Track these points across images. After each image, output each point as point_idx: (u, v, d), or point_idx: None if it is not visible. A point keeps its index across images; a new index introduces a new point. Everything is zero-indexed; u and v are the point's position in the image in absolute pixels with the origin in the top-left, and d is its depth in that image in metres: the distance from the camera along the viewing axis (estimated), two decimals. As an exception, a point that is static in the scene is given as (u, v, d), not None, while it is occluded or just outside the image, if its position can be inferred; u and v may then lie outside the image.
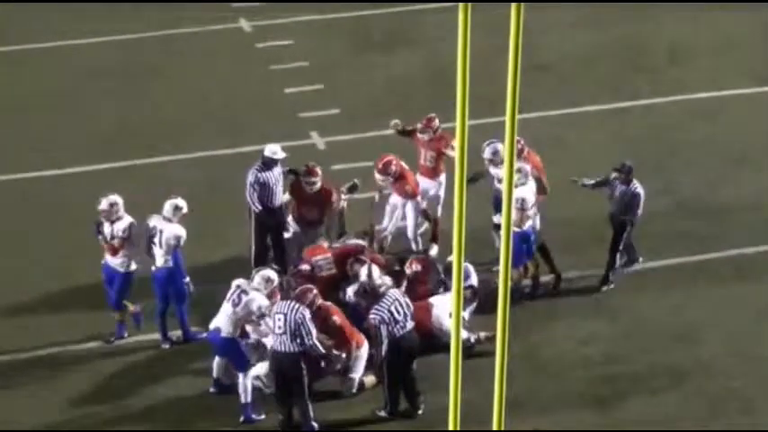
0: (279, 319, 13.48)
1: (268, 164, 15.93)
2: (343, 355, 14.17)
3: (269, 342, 13.92)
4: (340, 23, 24.00)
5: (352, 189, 16.36)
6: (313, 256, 15.37)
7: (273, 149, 16.01)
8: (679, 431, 13.78)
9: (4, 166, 19.27)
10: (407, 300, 14.04)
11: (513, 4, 5.45)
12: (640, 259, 16.41)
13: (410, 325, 13.84)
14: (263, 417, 14.03)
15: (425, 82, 21.08)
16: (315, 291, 14.06)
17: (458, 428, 6.42)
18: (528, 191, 15.36)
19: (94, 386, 14.62)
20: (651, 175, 18.27)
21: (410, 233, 16.55)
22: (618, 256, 16.01)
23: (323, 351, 13.70)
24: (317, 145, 19.66)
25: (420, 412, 14.00)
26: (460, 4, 5.51)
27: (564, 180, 16.45)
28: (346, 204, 16.33)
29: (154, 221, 14.89)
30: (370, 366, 14.37)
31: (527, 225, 15.43)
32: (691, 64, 22.23)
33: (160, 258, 14.87)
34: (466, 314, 14.92)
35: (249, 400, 13.90)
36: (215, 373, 14.32)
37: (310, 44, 23.01)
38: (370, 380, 14.42)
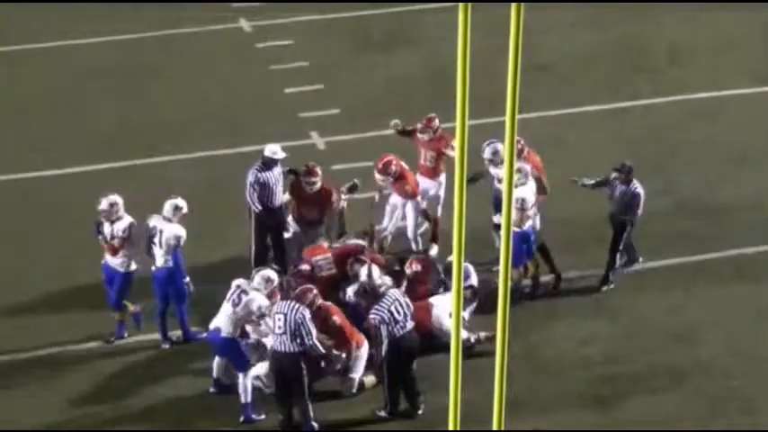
0: (279, 319, 13.48)
1: (268, 164, 15.93)
2: (344, 355, 14.17)
3: (269, 342, 13.92)
4: (340, 23, 24.00)
5: (353, 189, 16.36)
6: (313, 256, 15.37)
7: (273, 149, 16.01)
8: (679, 431, 13.77)
9: (4, 166, 19.27)
10: (407, 300, 14.04)
11: (513, 4, 5.45)
12: (640, 259, 16.41)
13: (410, 325, 13.85)
14: (263, 417, 14.03)
15: (425, 82, 21.08)
16: (315, 291, 14.06)
17: (458, 428, 6.42)
18: (528, 191, 15.36)
19: (94, 386, 14.62)
20: (651, 175, 18.27)
21: (410, 233, 16.55)
22: (618, 256, 16.02)
23: (323, 351, 13.70)
24: (316, 145, 19.66)
25: (420, 412, 14.00)
26: (460, 4, 5.51)
27: (564, 180, 16.45)
28: (346, 204, 16.33)
29: (154, 221, 14.89)
30: (370, 366, 14.37)
31: (527, 225, 15.43)
32: (691, 64, 22.23)
33: (160, 258, 14.87)
34: (466, 314, 14.92)
35: (249, 400, 13.90)
36: (215, 373, 14.32)
37: (310, 44, 23.01)
38: (370, 380, 14.42)
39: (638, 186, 15.74)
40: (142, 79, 21.84)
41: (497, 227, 15.51)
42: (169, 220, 14.85)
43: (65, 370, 14.88)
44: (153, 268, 14.99)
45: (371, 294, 14.12)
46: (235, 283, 14.04)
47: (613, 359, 14.92)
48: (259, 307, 13.80)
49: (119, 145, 19.66)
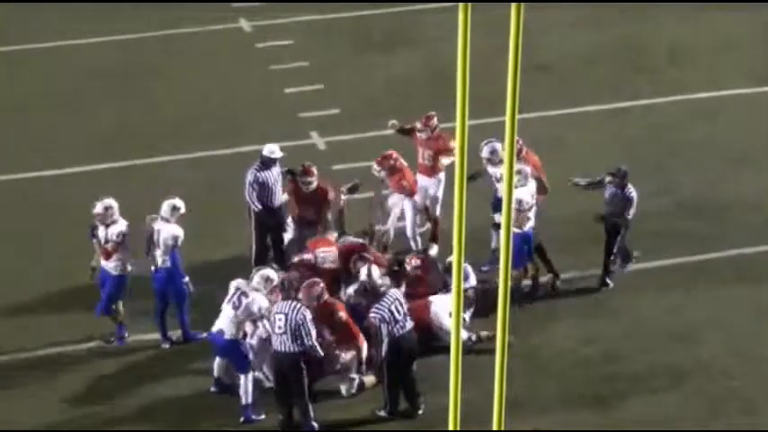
0: (280, 319, 13.48)
1: (267, 163, 15.95)
2: (344, 355, 14.17)
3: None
4: (340, 23, 24.01)
5: (353, 189, 16.35)
6: (317, 248, 15.35)
7: (272, 149, 16.04)
8: (679, 431, 13.77)
9: (4, 166, 19.27)
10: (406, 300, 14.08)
11: (513, 4, 5.45)
12: (635, 253, 16.32)
13: (409, 325, 13.85)
14: (263, 417, 14.03)
15: (425, 82, 21.08)
16: (322, 284, 14.05)
17: (458, 428, 6.42)
18: (526, 192, 15.33)
19: (95, 386, 14.61)
20: (651, 175, 18.29)
21: (409, 232, 16.55)
22: (613, 258, 15.99)
23: (322, 353, 13.67)
24: (317, 145, 19.66)
25: (420, 412, 14.00)
26: (460, 4, 5.51)
27: (564, 180, 16.45)
28: (345, 204, 16.31)
29: (152, 222, 14.87)
30: (370, 366, 14.37)
31: (528, 226, 15.43)
32: (691, 64, 22.24)
33: (159, 258, 14.86)
34: (466, 315, 14.94)
35: (250, 401, 13.89)
36: (216, 373, 14.32)
37: (310, 44, 23.01)
38: (370, 380, 14.42)
39: (632, 191, 15.69)
40: (142, 79, 21.84)
41: (498, 226, 15.52)
42: (167, 221, 14.84)
43: (65, 370, 14.87)
44: (152, 269, 14.99)
45: (372, 294, 14.12)
46: (234, 284, 14.01)
47: (613, 359, 14.92)
48: (259, 308, 13.79)
49: (119, 145, 19.66)
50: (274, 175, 15.98)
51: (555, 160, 17.64)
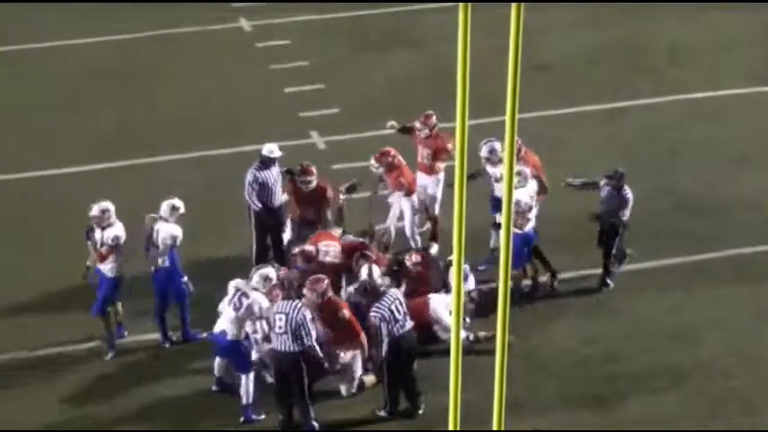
0: (280, 319, 13.48)
1: (266, 163, 15.97)
2: (344, 355, 14.17)
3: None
4: (340, 23, 24.01)
5: (351, 189, 16.34)
6: (319, 241, 15.35)
7: (271, 148, 16.06)
8: (679, 431, 13.77)
9: (4, 166, 19.28)
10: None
11: (513, 4, 5.45)
12: (629, 251, 16.29)
13: (409, 324, 13.85)
14: (263, 417, 14.03)
15: (425, 82, 21.08)
16: (327, 281, 14.05)
17: (458, 428, 6.42)
18: (524, 193, 15.31)
19: (95, 386, 14.61)
20: (651, 174, 18.30)
21: (407, 230, 16.56)
22: (612, 259, 15.98)
23: (320, 355, 13.65)
24: (316, 144, 19.66)
25: (420, 412, 14.00)
26: (460, 4, 5.50)
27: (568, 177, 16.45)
28: (345, 204, 16.31)
29: (151, 221, 14.85)
30: (370, 366, 14.37)
31: (528, 227, 15.44)
32: (691, 64, 22.24)
33: (157, 259, 14.85)
34: (466, 316, 14.95)
35: (251, 401, 13.90)
36: (217, 372, 14.31)
37: (310, 44, 23.02)
38: (370, 379, 14.42)
39: (628, 192, 15.68)
40: (142, 79, 21.84)
41: (497, 226, 15.52)
42: (166, 221, 14.84)
43: (65, 370, 14.87)
44: (152, 269, 14.98)
45: (372, 293, 14.12)
46: (233, 285, 13.98)
47: (613, 359, 14.92)
48: (260, 309, 13.80)
49: (119, 145, 19.66)
50: (274, 174, 16.00)
51: (555, 160, 17.64)
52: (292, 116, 20.39)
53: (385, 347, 13.72)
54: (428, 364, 14.12)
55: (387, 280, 14.50)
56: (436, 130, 16.62)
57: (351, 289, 14.83)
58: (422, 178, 16.75)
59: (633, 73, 21.91)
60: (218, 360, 14.27)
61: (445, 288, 15.04)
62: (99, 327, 15.19)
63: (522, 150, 15.99)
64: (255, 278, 13.98)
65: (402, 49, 22.86)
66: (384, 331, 13.69)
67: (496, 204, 16.04)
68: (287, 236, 16.32)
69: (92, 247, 14.85)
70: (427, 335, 14.60)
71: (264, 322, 13.90)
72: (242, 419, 13.95)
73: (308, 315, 13.53)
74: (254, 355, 14.08)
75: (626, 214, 15.67)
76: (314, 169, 16.14)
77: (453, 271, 6.04)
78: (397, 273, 15.14)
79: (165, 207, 14.90)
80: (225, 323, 13.86)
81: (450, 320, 14.50)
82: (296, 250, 15.33)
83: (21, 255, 17.02)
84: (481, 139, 16.06)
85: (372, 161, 16.32)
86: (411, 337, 13.90)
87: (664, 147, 19.44)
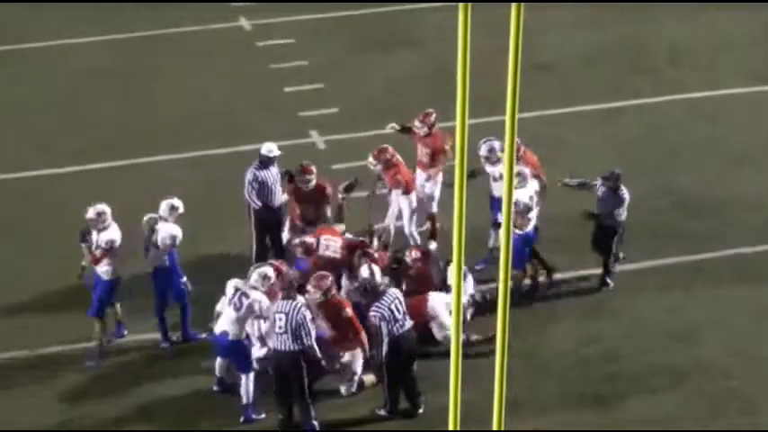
0: (280, 319, 13.47)
1: (265, 162, 16.00)
2: (345, 356, 14.17)
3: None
4: (340, 23, 24.02)
5: (350, 188, 16.32)
6: (321, 234, 15.36)
7: (270, 147, 16.10)
8: (679, 431, 13.77)
9: (4, 165, 19.28)
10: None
11: (513, 4, 5.45)
12: (621, 255, 16.30)
13: (409, 324, 13.85)
14: (263, 416, 14.03)
15: (425, 82, 21.08)
16: (331, 278, 14.04)
17: (458, 428, 6.41)
18: (524, 194, 15.31)
19: (94, 386, 14.61)
20: (651, 174, 18.30)
21: (406, 229, 16.55)
22: (611, 259, 15.98)
23: (319, 355, 13.63)
24: (316, 144, 19.67)
25: (420, 412, 13.99)
26: (460, 4, 5.50)
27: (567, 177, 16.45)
28: (345, 203, 16.30)
29: (149, 221, 14.84)
30: (370, 365, 14.36)
31: (529, 227, 15.43)
32: (691, 64, 22.24)
33: (157, 258, 14.85)
34: (467, 314, 14.95)
35: (251, 401, 13.90)
36: (218, 372, 14.31)
37: (310, 43, 23.02)
38: (370, 379, 14.42)
39: (624, 192, 15.66)
40: (142, 79, 21.85)
41: (498, 225, 15.52)
42: (165, 220, 14.83)
43: (65, 370, 14.86)
44: (151, 269, 14.97)
45: (371, 292, 14.11)
46: (232, 285, 13.96)
47: (613, 359, 14.91)
48: (260, 308, 13.80)
49: (118, 145, 19.67)
50: (273, 173, 16.02)
51: (555, 160, 17.64)
52: (292, 116, 20.40)
53: (385, 347, 13.72)
54: (428, 364, 14.11)
55: (386, 279, 14.49)
56: (435, 128, 16.63)
57: (346, 283, 14.81)
58: (421, 176, 16.76)
59: (633, 73, 21.91)
60: (219, 360, 14.26)
61: (445, 287, 15.03)
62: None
63: (521, 150, 15.99)
64: (254, 277, 13.96)
65: (402, 48, 22.85)
66: (384, 331, 13.68)
67: (494, 204, 16.06)
68: (285, 235, 16.31)
69: (86, 249, 14.77)
70: (427, 335, 14.61)
71: (263, 321, 13.89)
72: (242, 419, 13.95)
73: (308, 315, 13.53)
74: (255, 355, 14.07)
75: (622, 214, 15.66)
76: (313, 168, 16.16)
77: (453, 270, 6.03)
78: (396, 270, 15.13)
79: (164, 207, 14.90)
80: (226, 323, 13.85)
81: (447, 319, 14.56)
82: (296, 241, 15.34)
83: (21, 255, 17.02)
84: (480, 139, 16.06)
85: (370, 158, 16.32)
86: (411, 336, 13.90)
87: (663, 147, 19.44)
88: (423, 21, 23.70)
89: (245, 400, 13.90)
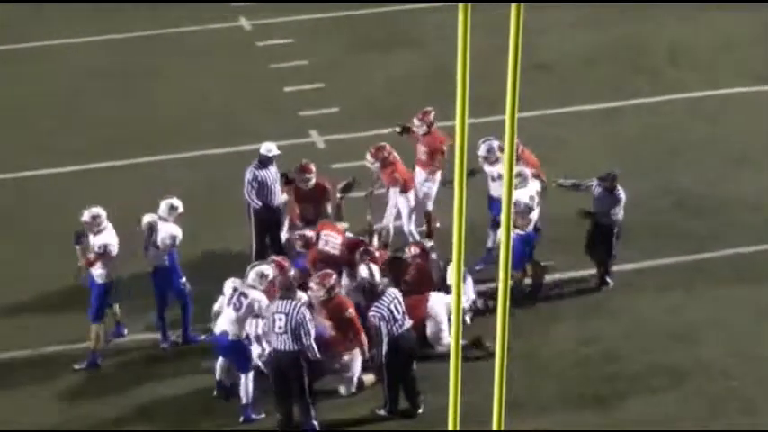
0: (280, 319, 13.46)
1: (264, 162, 16.02)
2: (346, 357, 14.16)
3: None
4: (340, 22, 24.02)
5: (347, 188, 16.32)
6: (323, 230, 15.36)
7: (269, 147, 16.14)
8: (679, 431, 13.77)
9: (4, 165, 19.28)
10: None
11: (513, 4, 5.44)
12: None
13: (408, 323, 13.85)
14: (262, 416, 14.02)
15: (425, 82, 21.08)
16: (335, 276, 14.04)
17: (457, 428, 6.41)
18: (524, 194, 15.30)
19: (94, 386, 14.61)
20: (651, 174, 18.30)
21: (405, 228, 16.55)
22: (611, 259, 15.98)
23: (318, 355, 13.61)
24: (316, 144, 19.67)
25: (420, 412, 13.99)
26: (460, 4, 5.50)
27: (566, 178, 16.43)
28: (343, 203, 16.30)
29: (149, 221, 14.83)
30: (370, 366, 14.36)
31: (530, 227, 15.43)
32: (691, 64, 22.24)
33: (157, 258, 14.84)
34: (467, 317, 14.95)
35: (250, 401, 13.89)
36: (218, 375, 14.28)
37: (310, 43, 23.03)
38: (370, 378, 14.41)
39: (620, 192, 15.65)
40: (142, 79, 21.85)
41: (496, 225, 15.51)
42: (165, 220, 14.82)
43: (65, 370, 14.85)
44: (150, 269, 14.96)
45: (370, 292, 14.11)
46: (230, 285, 13.94)
47: (613, 359, 14.91)
48: (260, 307, 13.79)
49: (118, 145, 19.66)
50: (273, 173, 16.04)
51: (554, 160, 17.64)
52: (292, 115, 20.40)
53: (384, 347, 13.71)
54: (428, 364, 14.10)
55: (385, 280, 14.48)
56: (434, 126, 16.64)
57: (345, 281, 14.81)
58: (419, 175, 16.77)
59: (633, 73, 21.91)
60: (219, 362, 14.21)
61: (445, 287, 15.02)
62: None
63: (520, 149, 15.98)
64: (252, 276, 13.95)
65: (402, 48, 22.86)
66: (383, 330, 13.68)
67: (492, 203, 16.06)
68: (284, 235, 16.31)
69: (80, 251, 14.68)
70: (423, 332, 14.58)
71: (261, 320, 13.87)
72: (241, 419, 13.94)
73: (308, 315, 13.53)
74: (254, 353, 14.07)
75: (619, 213, 15.65)
76: (312, 167, 16.18)
77: (453, 271, 6.02)
78: (396, 269, 15.09)
79: (163, 206, 14.89)
80: (225, 323, 13.84)
81: (444, 322, 14.56)
82: (296, 234, 15.34)
83: (21, 255, 17.02)
84: (479, 138, 16.05)
85: (368, 156, 16.32)
86: (410, 336, 13.90)
87: (664, 146, 19.44)
88: (422, 21, 23.71)
89: (244, 400, 13.89)
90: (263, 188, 15.96)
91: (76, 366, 14.82)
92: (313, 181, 16.11)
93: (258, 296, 13.79)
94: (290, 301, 13.60)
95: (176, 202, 14.95)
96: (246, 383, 13.84)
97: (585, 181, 15.92)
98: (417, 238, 16.58)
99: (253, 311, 13.79)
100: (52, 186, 18.65)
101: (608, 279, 16.07)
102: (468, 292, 15.01)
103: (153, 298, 15.04)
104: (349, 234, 15.78)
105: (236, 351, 13.89)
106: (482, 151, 16.08)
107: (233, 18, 24.13)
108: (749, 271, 16.47)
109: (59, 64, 22.59)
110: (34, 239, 17.31)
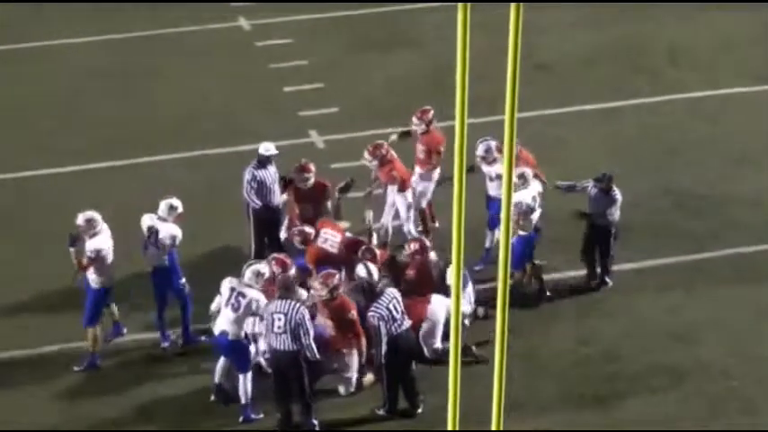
0: (279, 319, 13.46)
1: (263, 161, 16.03)
2: (345, 357, 14.17)
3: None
4: (339, 22, 24.01)
5: (346, 188, 16.30)
6: (323, 227, 15.36)
7: (267, 146, 16.17)
8: (679, 431, 13.77)
9: (4, 165, 19.27)
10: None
11: (513, 4, 5.44)
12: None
13: (407, 323, 13.84)
14: (262, 416, 14.02)
15: (425, 82, 21.07)
16: (338, 276, 14.03)
17: (457, 428, 6.41)
18: (526, 195, 15.29)
19: (94, 386, 14.61)
20: (651, 174, 18.29)
21: (404, 227, 16.55)
22: (609, 259, 15.97)
23: (317, 356, 13.60)
24: (316, 144, 19.66)
25: (419, 411, 13.99)
26: (460, 4, 5.49)
27: (564, 180, 16.43)
28: (341, 203, 16.28)
29: (149, 221, 14.82)
30: (369, 365, 14.36)
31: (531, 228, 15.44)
32: (691, 64, 22.24)
33: (156, 258, 14.83)
34: (466, 321, 14.93)
35: (249, 401, 13.89)
36: (217, 378, 14.25)
37: (310, 43, 23.02)
38: (369, 378, 14.41)
39: (616, 193, 15.65)
40: (142, 79, 21.85)
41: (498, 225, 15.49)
42: (164, 220, 14.81)
43: (65, 370, 14.85)
44: (150, 269, 14.95)
45: (370, 292, 14.10)
46: (228, 285, 13.91)
47: (613, 359, 14.91)
48: (258, 306, 13.79)
49: (118, 145, 19.66)
50: (272, 172, 16.06)
51: (554, 160, 17.64)
52: (292, 115, 20.40)
53: (384, 347, 13.71)
54: (428, 363, 14.10)
55: (385, 280, 14.47)
56: (433, 125, 16.64)
57: (345, 281, 14.82)
58: (417, 173, 16.77)
59: (633, 73, 21.90)
60: (219, 364, 14.17)
61: (445, 286, 15.00)
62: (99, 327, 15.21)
63: (518, 149, 15.96)
64: (248, 274, 13.93)
65: (401, 48, 22.85)
66: (383, 330, 13.68)
67: (490, 203, 16.06)
68: (283, 234, 16.31)
69: (74, 254, 14.59)
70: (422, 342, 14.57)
71: (258, 319, 13.85)
72: (241, 419, 13.94)
73: (307, 314, 13.53)
74: (253, 352, 14.07)
75: (615, 214, 15.66)
76: (312, 166, 16.18)
77: (453, 271, 6.02)
78: (395, 268, 15.08)
79: (163, 207, 14.88)
80: (225, 323, 13.83)
81: (441, 326, 14.55)
82: (295, 230, 15.34)
83: (21, 255, 17.01)
84: (478, 138, 16.05)
85: (365, 154, 16.32)
86: (409, 336, 13.90)
87: (664, 146, 19.43)
88: (422, 21, 23.70)
89: (243, 400, 13.89)
90: (261, 188, 15.97)
91: (76, 368, 14.81)
92: (312, 180, 16.12)
93: (256, 295, 13.79)
94: (289, 301, 13.59)
95: (176, 202, 14.94)
96: (245, 383, 13.84)
97: (582, 182, 15.92)
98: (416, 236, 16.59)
99: (251, 311, 13.78)
100: (52, 186, 18.65)
101: (607, 279, 16.07)
102: (469, 296, 14.96)
103: (153, 298, 15.04)
104: (349, 234, 15.78)
105: (236, 351, 13.88)
106: (480, 151, 16.08)
107: (232, 18, 24.12)
108: (749, 271, 16.47)
109: (59, 64, 22.59)
110: (34, 239, 17.31)
